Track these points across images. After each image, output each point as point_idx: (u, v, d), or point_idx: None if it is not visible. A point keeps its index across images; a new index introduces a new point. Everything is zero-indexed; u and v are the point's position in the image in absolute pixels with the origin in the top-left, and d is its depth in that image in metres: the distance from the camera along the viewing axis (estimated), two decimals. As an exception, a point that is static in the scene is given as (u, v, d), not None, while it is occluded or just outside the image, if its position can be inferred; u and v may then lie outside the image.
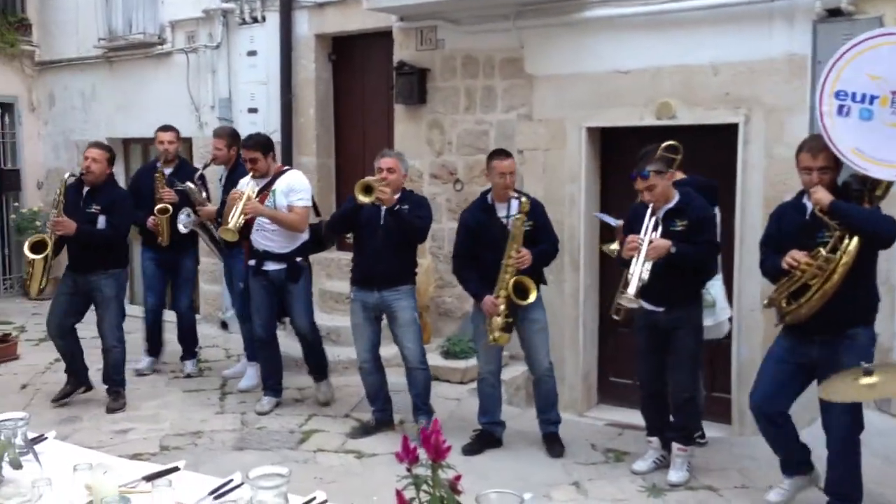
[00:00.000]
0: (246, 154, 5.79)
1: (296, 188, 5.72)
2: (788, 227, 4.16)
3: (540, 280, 5.18)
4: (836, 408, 3.90)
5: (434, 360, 6.59)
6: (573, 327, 6.36)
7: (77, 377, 6.13)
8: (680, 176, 4.86)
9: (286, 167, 6.07)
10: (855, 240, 3.84)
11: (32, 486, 2.14)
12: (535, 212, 5.10)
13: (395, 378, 5.81)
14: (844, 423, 4.00)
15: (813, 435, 4.44)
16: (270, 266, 5.77)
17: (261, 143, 5.84)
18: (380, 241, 5.23)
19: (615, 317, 4.79)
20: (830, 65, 4.06)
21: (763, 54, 5.52)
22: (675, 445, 4.76)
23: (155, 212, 6.46)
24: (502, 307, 4.94)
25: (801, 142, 4.19)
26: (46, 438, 2.65)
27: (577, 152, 6.29)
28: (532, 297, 4.94)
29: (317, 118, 7.86)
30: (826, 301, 3.90)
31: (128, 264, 6.27)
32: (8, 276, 10.03)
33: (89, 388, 6.18)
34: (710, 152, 5.76)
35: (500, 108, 6.70)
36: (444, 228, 7.05)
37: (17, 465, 2.24)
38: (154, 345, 7.00)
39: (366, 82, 7.87)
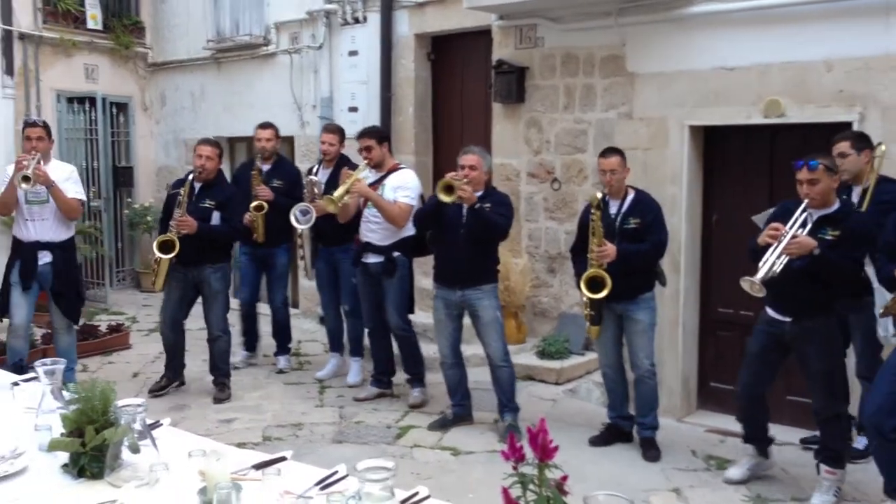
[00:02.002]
0: (361, 143, 5.94)
1: (404, 185, 5.81)
2: None
3: (649, 280, 5.11)
4: None
5: (529, 360, 6.58)
6: (672, 330, 6.22)
7: (174, 372, 6.38)
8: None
9: (402, 165, 6.14)
10: None
11: (150, 469, 2.22)
12: (643, 210, 5.04)
13: (486, 376, 5.83)
14: None
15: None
16: (371, 258, 5.88)
17: (373, 132, 6.04)
18: (461, 239, 5.25)
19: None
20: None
21: (880, 49, 5.27)
22: (822, 467, 4.48)
23: (250, 209, 6.58)
24: (584, 300, 5.01)
25: None
26: (161, 425, 2.76)
27: (679, 152, 6.15)
28: (603, 293, 4.89)
29: (415, 117, 7.93)
30: None
31: (231, 258, 6.45)
32: (120, 269, 10.48)
33: (182, 383, 6.43)
34: (821, 152, 5.53)
35: (599, 106, 6.62)
36: (542, 228, 7.02)
37: (135, 450, 2.33)
38: (250, 339, 7.18)
39: (464, 81, 7.90)
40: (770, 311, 4.48)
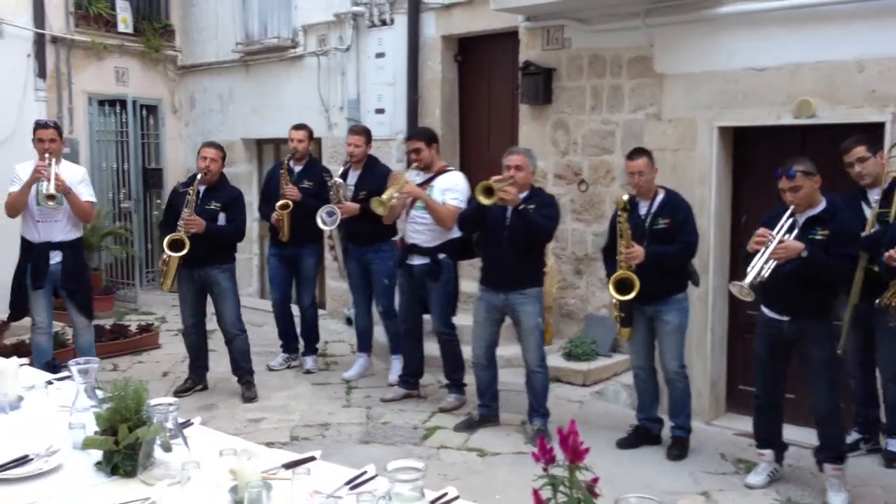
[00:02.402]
0: (410, 145, 5.98)
1: (453, 188, 5.79)
2: None
3: (681, 281, 5.09)
4: None
5: (556, 361, 6.55)
6: (701, 332, 6.18)
7: (198, 375, 6.44)
8: None
9: (450, 167, 6.11)
10: None
11: (182, 468, 2.25)
12: (673, 210, 5.02)
13: (514, 378, 5.83)
14: None
15: None
16: (416, 260, 5.88)
17: (424, 133, 6.06)
18: (505, 241, 5.23)
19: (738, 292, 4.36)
20: None
21: (914, 49, 5.21)
22: (827, 466, 4.50)
23: (276, 207, 6.61)
24: (613, 302, 5.02)
25: None
26: (192, 424, 2.78)
27: (707, 153, 6.11)
28: (631, 295, 4.88)
29: (442, 118, 7.94)
30: None
31: (235, 259, 6.41)
32: (150, 270, 10.59)
33: (205, 387, 6.47)
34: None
35: (627, 107, 6.59)
36: (568, 230, 7.00)
37: (167, 448, 2.36)
38: (287, 341, 7.16)
39: (491, 82, 7.90)
40: (767, 311, 4.54)
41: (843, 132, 5.44)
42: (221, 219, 6.06)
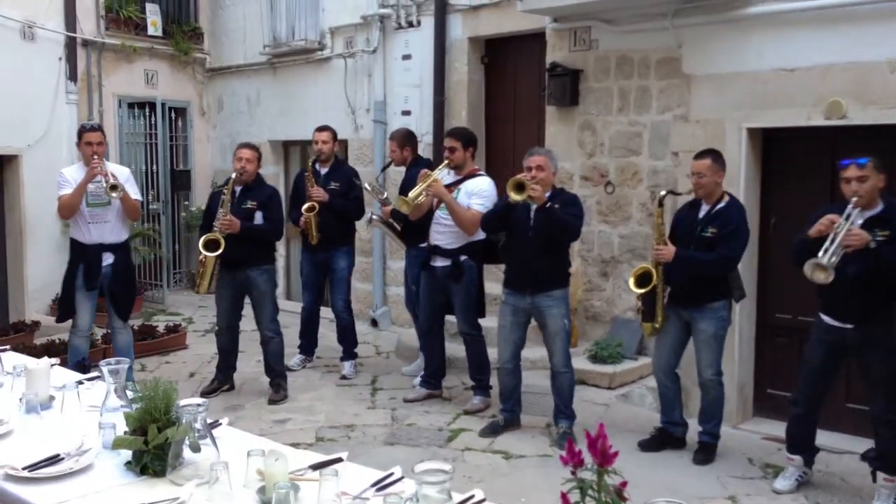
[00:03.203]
0: (447, 142, 5.97)
1: (479, 193, 5.76)
2: None
3: (720, 290, 5.00)
4: None
5: (581, 364, 6.53)
6: (729, 336, 6.07)
7: (225, 375, 6.47)
8: None
9: (481, 172, 6.10)
10: None
11: (211, 468, 2.26)
12: (724, 220, 4.92)
13: (539, 380, 5.80)
14: None
15: None
16: (438, 262, 5.88)
17: (462, 134, 6.03)
18: (531, 241, 5.21)
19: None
20: None
21: (947, 49, 5.13)
22: (880, 475, 4.42)
23: (303, 210, 6.61)
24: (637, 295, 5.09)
25: None
26: (221, 424, 2.81)
27: (736, 154, 6.04)
28: (646, 289, 4.91)
29: (468, 120, 7.93)
30: None
31: (275, 261, 6.46)
32: (178, 271, 10.69)
33: (232, 387, 6.50)
34: (885, 155, 5.40)
35: (654, 108, 6.55)
36: (594, 231, 6.97)
37: (196, 449, 2.38)
38: (307, 343, 7.19)
39: (517, 84, 7.89)
40: (827, 319, 4.42)
41: (875, 133, 5.38)
42: (258, 218, 6.09)
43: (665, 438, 5.31)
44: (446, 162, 5.89)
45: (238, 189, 6.10)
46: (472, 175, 5.91)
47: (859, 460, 4.65)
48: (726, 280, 5.01)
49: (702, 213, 5.02)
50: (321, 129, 6.95)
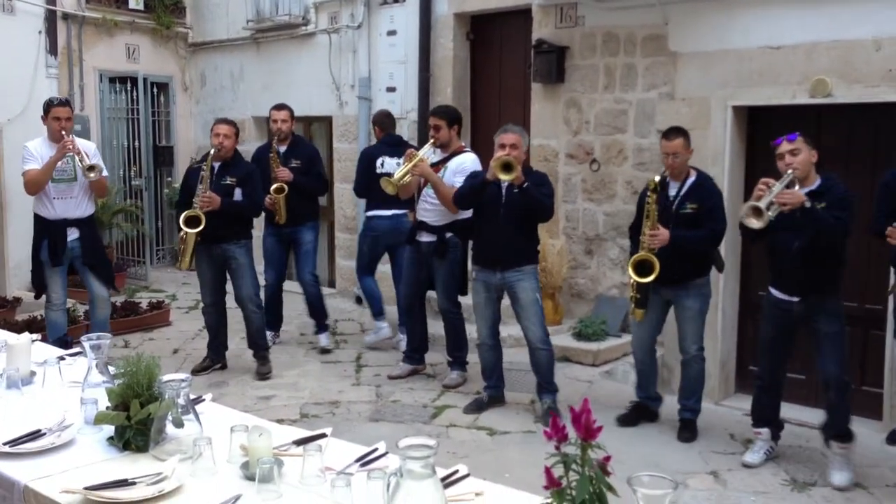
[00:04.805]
0: (431, 121, 5.95)
1: (465, 170, 5.74)
2: None
3: (703, 265, 5.05)
4: None
5: (566, 341, 6.56)
6: (711, 313, 6.07)
7: (216, 353, 6.43)
8: None
9: (466, 149, 6.10)
10: None
11: (194, 444, 2.26)
12: (703, 195, 4.97)
13: (522, 357, 5.82)
14: None
15: None
16: (424, 237, 5.90)
17: (446, 112, 6.01)
18: (501, 220, 5.20)
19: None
20: None
21: (932, 27, 5.14)
22: (833, 444, 4.54)
23: (271, 191, 6.54)
24: (631, 282, 5.02)
25: None
26: (204, 400, 2.80)
27: (721, 132, 6.06)
28: (650, 278, 4.86)
29: (454, 97, 7.89)
30: None
31: (252, 236, 6.38)
32: (161, 247, 10.61)
33: (224, 366, 6.45)
34: (869, 133, 5.43)
35: (640, 86, 6.54)
36: (579, 209, 6.97)
37: (179, 424, 2.37)
38: (273, 319, 7.07)
39: (503, 61, 7.84)
40: (776, 293, 4.57)
41: (860, 112, 5.39)
42: (237, 194, 6.05)
43: (641, 412, 5.38)
44: (432, 141, 5.87)
45: (217, 165, 6.05)
46: (458, 152, 5.90)
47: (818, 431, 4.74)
48: (709, 255, 5.05)
49: (673, 191, 5.03)
50: (279, 107, 6.85)
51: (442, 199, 5.69)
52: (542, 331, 5.34)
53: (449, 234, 5.82)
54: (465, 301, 6.08)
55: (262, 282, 6.71)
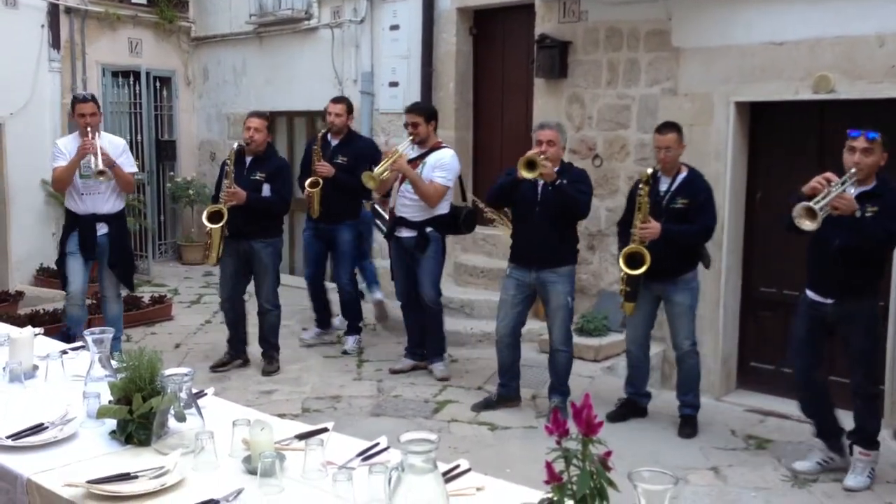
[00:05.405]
0: (408, 118, 5.97)
1: (442, 166, 5.80)
2: None
3: (691, 261, 5.06)
4: None
5: (568, 336, 6.55)
6: (713, 309, 6.15)
7: (236, 349, 6.36)
8: None
9: (444, 144, 6.13)
10: None
11: (196, 438, 2.27)
12: (694, 190, 4.97)
13: (528, 353, 5.82)
14: None
15: None
16: (403, 233, 5.92)
17: (423, 109, 6.09)
18: (536, 217, 5.15)
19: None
20: None
21: (935, 24, 5.13)
22: (856, 449, 4.47)
23: (306, 185, 6.48)
24: (622, 275, 4.99)
25: None
26: (206, 394, 2.81)
27: (724, 128, 6.05)
28: (641, 269, 4.85)
29: (456, 92, 7.89)
30: None
31: (282, 233, 6.39)
32: (163, 242, 10.62)
33: (246, 361, 6.36)
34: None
35: (643, 81, 6.53)
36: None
37: (181, 418, 2.38)
38: (322, 316, 7.06)
39: (506, 56, 7.84)
40: (811, 294, 4.44)
41: (863, 108, 5.38)
42: (266, 190, 6.00)
43: (630, 408, 5.38)
44: (410, 137, 5.91)
45: (248, 159, 6.03)
46: (435, 148, 5.95)
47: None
48: (697, 250, 5.06)
49: (665, 186, 5.03)
50: (336, 100, 6.73)
51: (421, 194, 5.74)
52: (565, 334, 5.31)
53: (429, 229, 5.85)
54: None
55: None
